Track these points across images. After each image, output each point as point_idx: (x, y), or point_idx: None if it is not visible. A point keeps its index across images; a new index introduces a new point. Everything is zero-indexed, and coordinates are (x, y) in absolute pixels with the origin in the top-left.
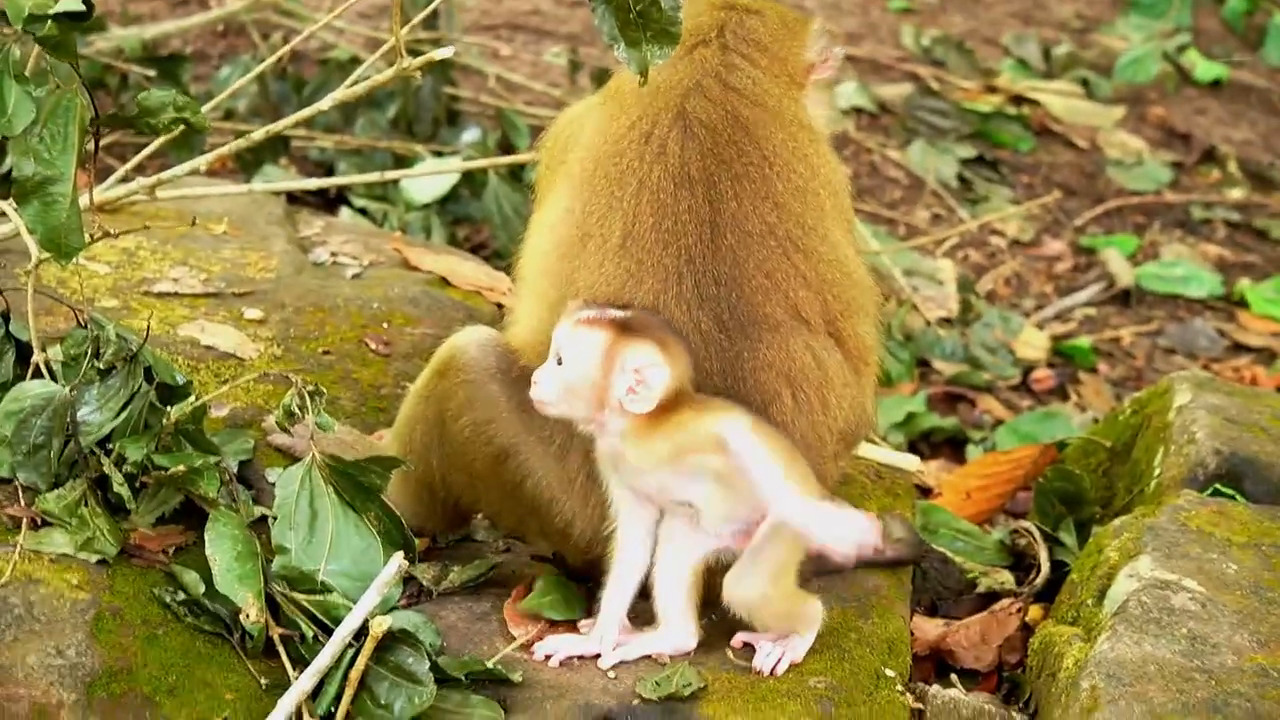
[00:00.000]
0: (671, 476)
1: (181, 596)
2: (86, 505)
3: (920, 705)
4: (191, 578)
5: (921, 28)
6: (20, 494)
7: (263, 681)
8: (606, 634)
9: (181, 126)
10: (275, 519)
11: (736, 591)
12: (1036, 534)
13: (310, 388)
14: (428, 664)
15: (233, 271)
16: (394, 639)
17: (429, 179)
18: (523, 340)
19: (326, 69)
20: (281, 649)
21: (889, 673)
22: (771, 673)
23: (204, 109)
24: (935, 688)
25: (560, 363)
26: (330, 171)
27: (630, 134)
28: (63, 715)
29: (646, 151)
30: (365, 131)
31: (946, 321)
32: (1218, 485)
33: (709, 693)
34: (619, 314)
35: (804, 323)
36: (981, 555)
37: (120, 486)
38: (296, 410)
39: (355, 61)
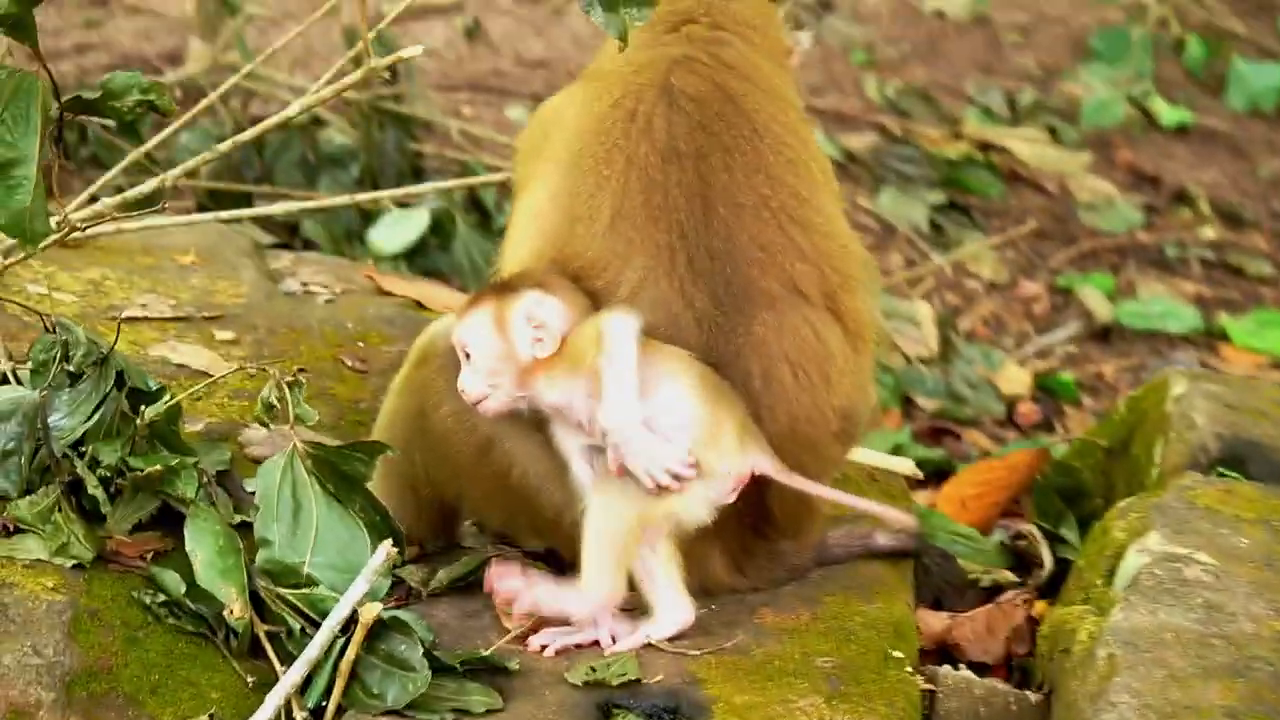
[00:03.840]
0: (584, 399)
1: (162, 598)
2: (60, 511)
3: (931, 686)
4: (172, 579)
5: (884, 79)
6: None
7: (249, 680)
8: (599, 619)
9: (147, 111)
10: (257, 510)
11: None
12: (1037, 533)
13: (289, 378)
14: (421, 650)
15: (202, 298)
16: (385, 627)
17: (397, 229)
18: None
19: (288, 132)
20: (268, 645)
21: (897, 654)
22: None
23: (169, 174)
24: (946, 668)
25: (468, 357)
26: (295, 231)
27: (614, 112)
28: (41, 715)
29: (632, 129)
30: (329, 190)
31: (926, 362)
32: (1220, 470)
33: (715, 675)
34: (498, 282)
35: (802, 297)
36: (982, 557)
37: (95, 489)
38: (275, 402)
39: (317, 123)
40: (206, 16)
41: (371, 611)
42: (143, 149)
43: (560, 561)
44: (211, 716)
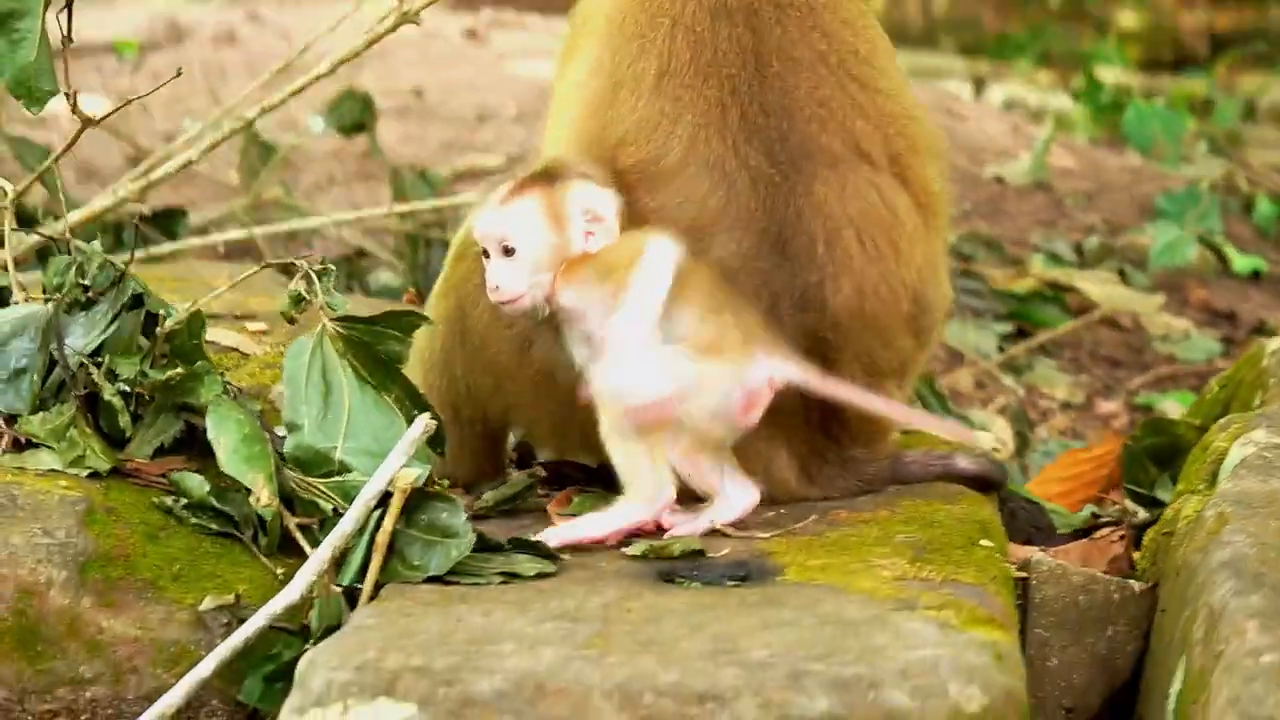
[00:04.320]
0: (601, 311)
1: (184, 502)
2: (76, 427)
3: (1024, 574)
4: (194, 480)
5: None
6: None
7: (279, 572)
8: (660, 493)
9: None
10: (284, 393)
11: None
12: (1129, 502)
13: (318, 266)
14: (464, 516)
15: (234, 307)
16: (424, 497)
17: None
18: None
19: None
20: (300, 536)
21: (985, 543)
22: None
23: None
24: (1039, 554)
25: (509, 252)
26: None
27: None
28: (52, 595)
29: None
30: None
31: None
32: None
33: (786, 549)
34: (530, 171)
35: (864, 158)
36: (1071, 529)
37: (112, 396)
38: (304, 293)
39: (362, 255)
40: (249, 164)
41: (408, 477)
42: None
43: (614, 478)
44: (238, 597)
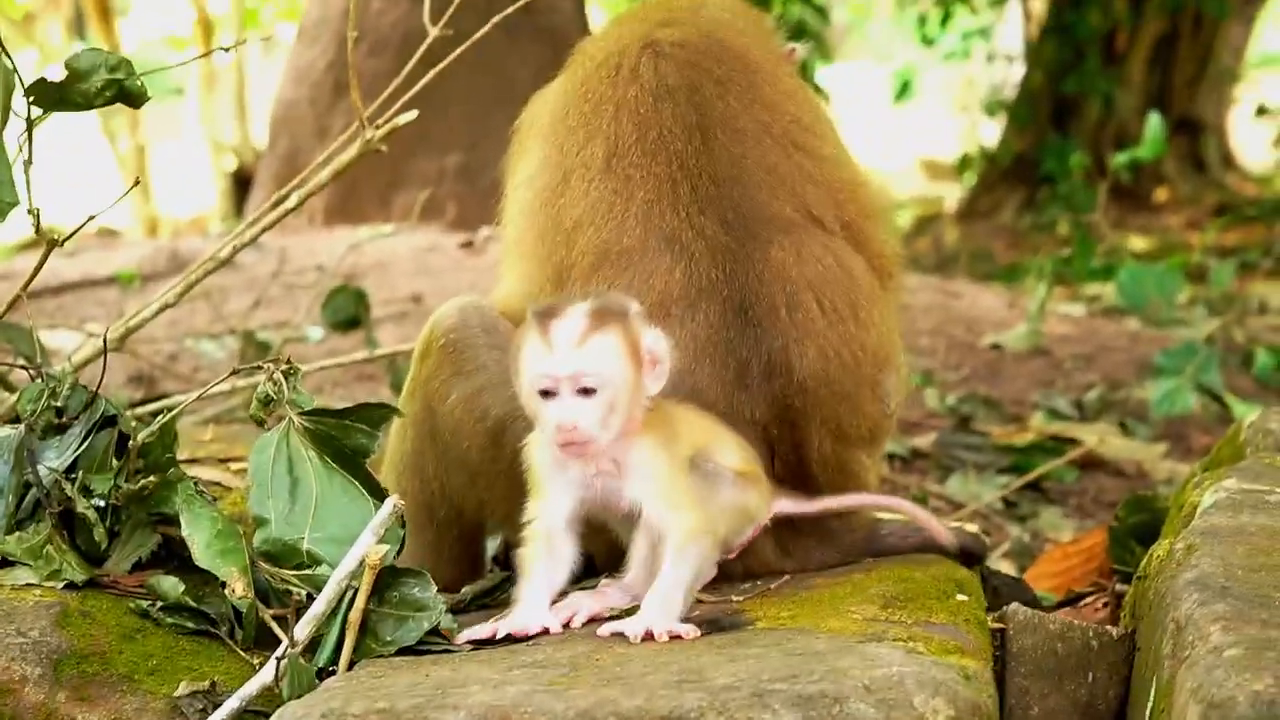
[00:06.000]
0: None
1: (160, 604)
2: (52, 544)
3: (1001, 625)
4: (169, 583)
5: (945, 392)
6: None
7: (255, 663)
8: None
9: (115, 93)
10: (251, 488)
11: None
12: (1115, 586)
13: (285, 367)
14: (434, 589)
15: (218, 453)
16: (395, 574)
17: None
18: (509, 301)
19: None
20: (276, 627)
21: (961, 596)
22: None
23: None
24: (1015, 605)
25: (587, 392)
26: None
27: (599, 71)
28: (26, 692)
29: (619, 79)
30: None
31: None
32: None
33: (758, 606)
34: (588, 303)
35: (816, 222)
36: (1055, 603)
37: (86, 509)
38: (273, 393)
39: None
40: (246, 363)
41: (378, 553)
42: None
43: (593, 565)
44: (214, 683)
